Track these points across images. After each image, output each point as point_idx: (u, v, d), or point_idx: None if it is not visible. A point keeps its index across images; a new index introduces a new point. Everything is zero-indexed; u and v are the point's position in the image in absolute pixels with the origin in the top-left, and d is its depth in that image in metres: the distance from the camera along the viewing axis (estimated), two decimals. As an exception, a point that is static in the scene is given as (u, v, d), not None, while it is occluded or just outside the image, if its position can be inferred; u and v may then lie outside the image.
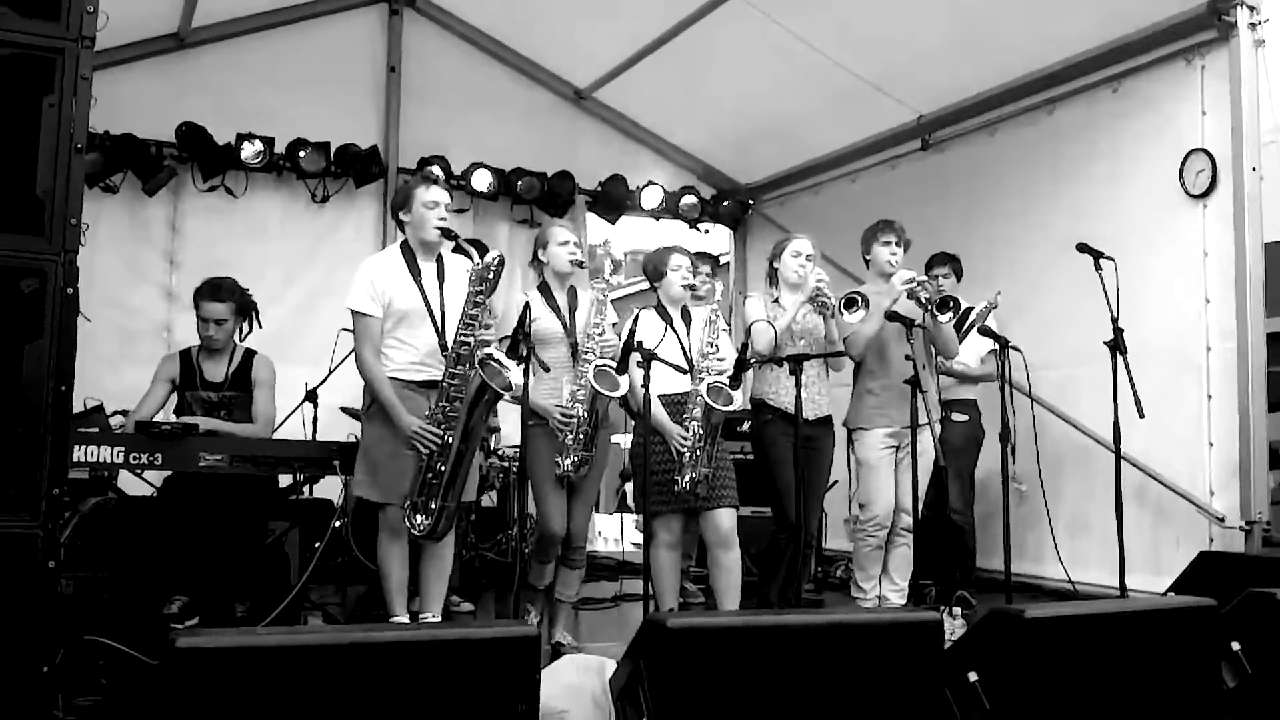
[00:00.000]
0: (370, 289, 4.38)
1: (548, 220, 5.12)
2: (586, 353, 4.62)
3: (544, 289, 4.84)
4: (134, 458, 4.56)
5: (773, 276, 5.35)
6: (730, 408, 4.64)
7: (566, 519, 4.71)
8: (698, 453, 4.65)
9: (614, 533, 9.25)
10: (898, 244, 5.39)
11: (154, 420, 4.98)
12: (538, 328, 4.58)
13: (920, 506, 5.10)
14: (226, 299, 5.27)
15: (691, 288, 4.95)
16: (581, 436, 4.59)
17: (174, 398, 5.33)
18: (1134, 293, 5.23)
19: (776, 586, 5.15)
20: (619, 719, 2.82)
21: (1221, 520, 5.48)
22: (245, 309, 5.40)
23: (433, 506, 4.25)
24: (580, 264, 4.82)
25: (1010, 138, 6.86)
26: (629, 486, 12.23)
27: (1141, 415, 4.90)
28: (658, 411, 4.61)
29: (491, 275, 4.24)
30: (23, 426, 2.71)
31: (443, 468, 4.23)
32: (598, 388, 4.50)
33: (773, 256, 5.37)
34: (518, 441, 4.97)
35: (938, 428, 5.06)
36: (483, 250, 4.57)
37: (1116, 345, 4.97)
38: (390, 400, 4.29)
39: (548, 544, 4.71)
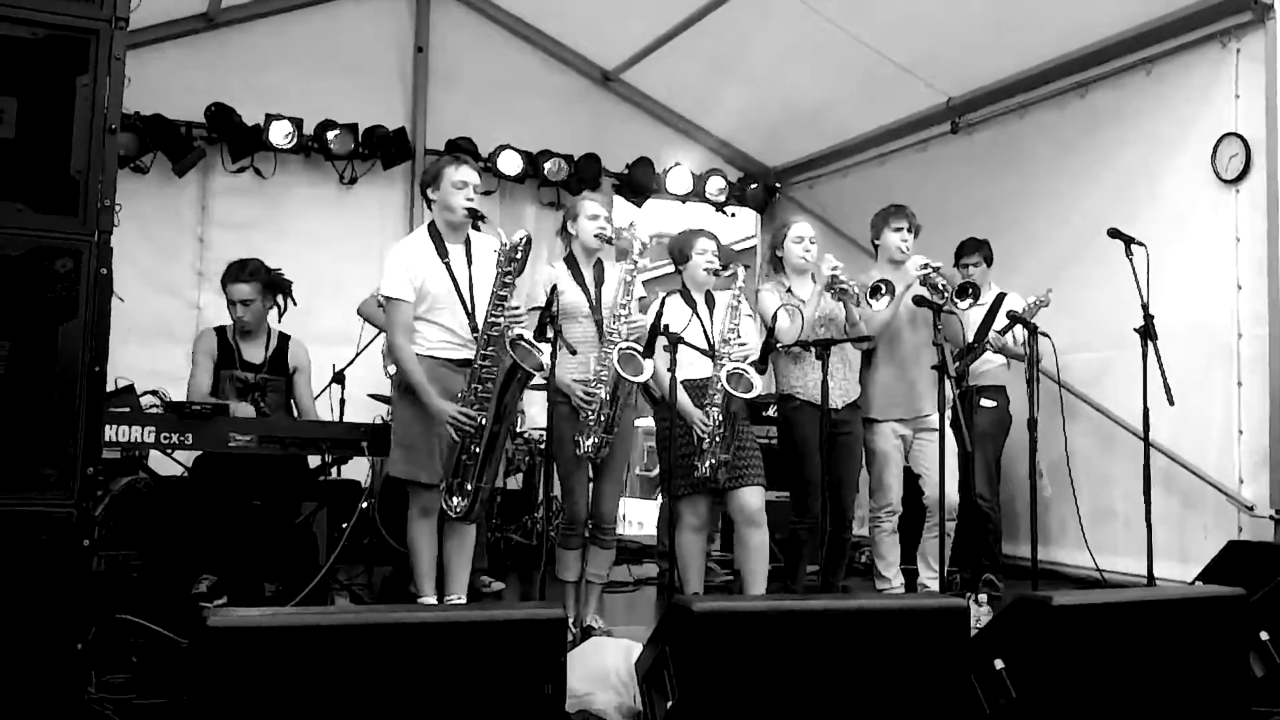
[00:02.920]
0: (403, 274, 4.38)
1: (580, 194, 5.07)
2: (612, 334, 4.59)
3: (570, 261, 4.80)
4: (165, 437, 4.58)
5: (777, 263, 5.33)
6: (750, 395, 4.63)
7: (589, 499, 4.72)
8: (717, 438, 4.64)
9: (638, 515, 9.27)
10: (909, 230, 5.35)
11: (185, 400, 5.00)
12: (563, 301, 4.56)
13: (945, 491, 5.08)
14: (250, 279, 5.27)
15: (716, 272, 4.92)
16: (603, 419, 4.59)
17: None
18: (1165, 278, 5.18)
19: (801, 577, 5.15)
20: (644, 702, 2.84)
21: (1251, 509, 5.44)
22: (273, 287, 5.40)
23: (468, 488, 4.26)
24: (609, 240, 4.78)
25: (1041, 121, 6.80)
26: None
27: (1171, 402, 4.86)
28: (680, 396, 4.60)
29: (520, 255, 4.24)
30: (58, 406, 2.73)
31: (477, 449, 4.24)
32: (622, 372, 4.48)
33: (774, 245, 5.35)
34: (543, 423, 4.97)
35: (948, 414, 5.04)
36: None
37: (1146, 331, 4.93)
38: (423, 385, 4.30)
39: (572, 524, 4.72)
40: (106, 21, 2.84)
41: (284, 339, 5.44)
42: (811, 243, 5.21)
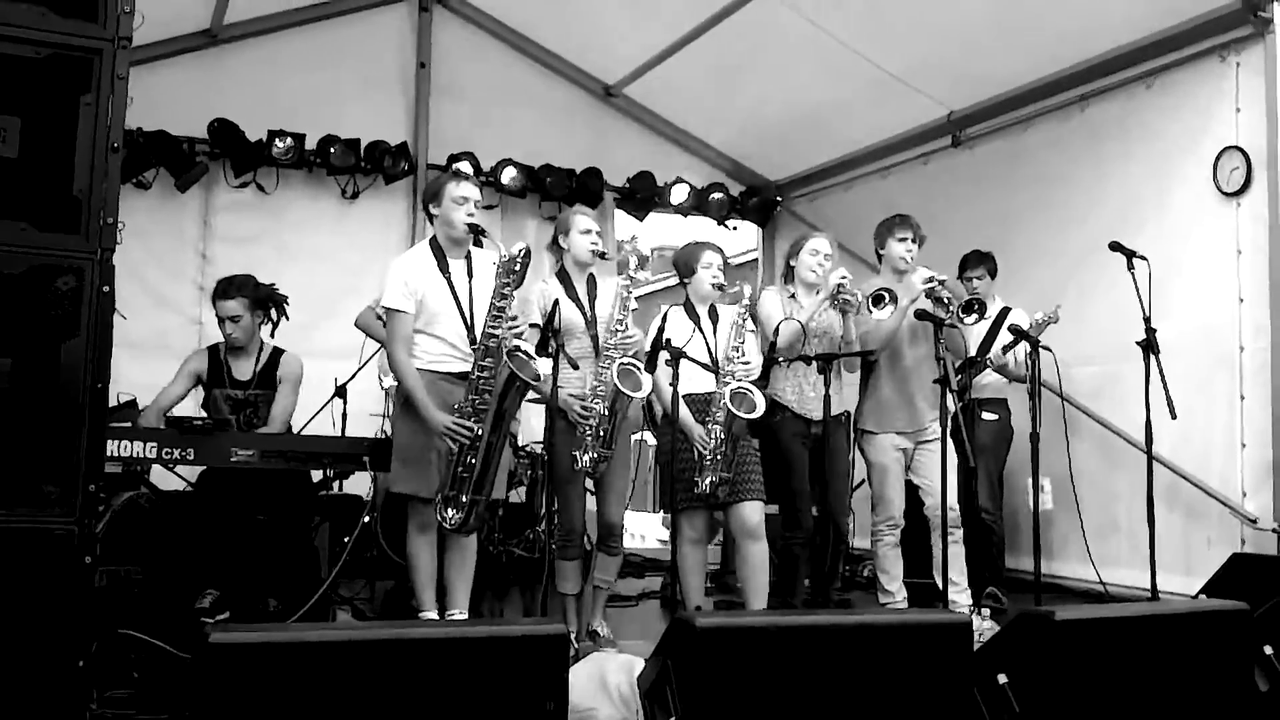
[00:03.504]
0: (403, 287, 4.39)
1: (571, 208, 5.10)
2: (609, 349, 4.58)
3: (563, 277, 4.79)
4: (166, 453, 4.58)
5: (789, 274, 5.32)
6: (753, 415, 4.62)
7: (584, 513, 4.74)
8: (718, 456, 4.64)
9: (639, 529, 9.26)
10: (913, 240, 5.34)
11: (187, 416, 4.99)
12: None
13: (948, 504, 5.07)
14: (236, 295, 5.26)
15: (721, 286, 4.91)
16: (601, 434, 4.58)
17: (198, 393, 5.34)
18: (1167, 291, 5.18)
19: (800, 591, 5.13)
20: (647, 718, 2.83)
21: (1254, 522, 5.43)
22: (262, 303, 5.38)
23: (464, 500, 4.25)
24: (602, 255, 4.77)
25: (1042, 134, 6.81)
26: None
27: (1174, 416, 4.86)
28: (682, 411, 4.58)
29: (519, 268, 4.24)
30: (60, 424, 2.74)
31: (474, 461, 4.23)
32: (620, 387, 4.47)
33: (790, 254, 5.34)
34: (541, 437, 4.97)
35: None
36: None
37: (1149, 345, 4.93)
38: (420, 399, 4.30)
39: (569, 535, 4.74)
40: (110, 41, 2.84)
41: (276, 353, 5.40)
42: (826, 259, 5.18)
